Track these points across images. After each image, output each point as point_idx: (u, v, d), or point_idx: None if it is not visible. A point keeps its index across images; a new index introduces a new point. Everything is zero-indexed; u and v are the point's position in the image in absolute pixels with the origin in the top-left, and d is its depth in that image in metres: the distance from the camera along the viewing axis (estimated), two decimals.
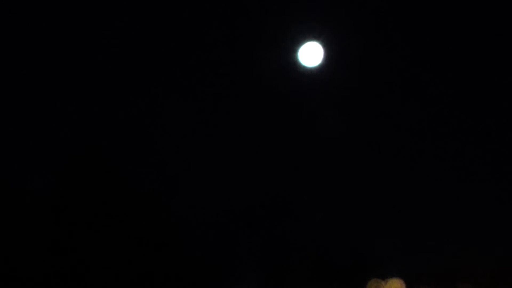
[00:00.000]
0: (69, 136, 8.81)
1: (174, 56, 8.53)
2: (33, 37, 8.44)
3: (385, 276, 10.61)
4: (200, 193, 9.27)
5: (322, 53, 8.23)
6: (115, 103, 8.79)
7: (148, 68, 8.51)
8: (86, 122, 8.77)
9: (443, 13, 8.21)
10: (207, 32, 8.30)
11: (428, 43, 8.18)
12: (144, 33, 8.39)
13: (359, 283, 10.57)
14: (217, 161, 9.00)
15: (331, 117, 8.60)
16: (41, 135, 8.80)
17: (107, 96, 8.78)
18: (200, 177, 9.23)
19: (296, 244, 9.95)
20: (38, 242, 8.73)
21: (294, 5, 7.99)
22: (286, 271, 9.94)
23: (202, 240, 9.34)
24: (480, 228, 9.84)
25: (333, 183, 9.75)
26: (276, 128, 8.81)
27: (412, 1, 8.25)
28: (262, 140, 8.95)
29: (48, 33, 8.42)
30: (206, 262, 9.32)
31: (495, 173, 9.61)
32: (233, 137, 8.93)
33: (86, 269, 8.77)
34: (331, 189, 9.83)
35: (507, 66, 8.55)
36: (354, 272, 10.53)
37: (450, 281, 10.41)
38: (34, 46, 8.47)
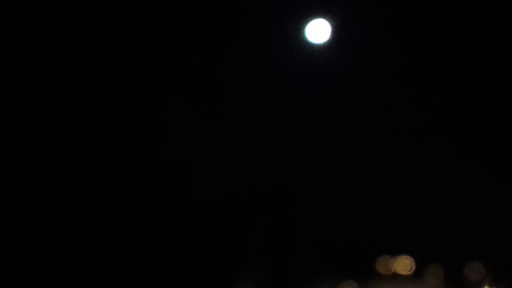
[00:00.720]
0: (72, 129, 8.73)
1: (177, 40, 8.40)
2: (39, 33, 8.34)
3: (394, 253, 10.61)
4: (205, 182, 9.21)
5: (330, 30, 8.06)
6: (120, 94, 8.72)
7: (152, 51, 8.39)
8: (88, 114, 8.69)
9: None
10: (213, 10, 8.13)
11: (443, 23, 8.00)
12: (145, 15, 8.25)
13: (368, 260, 10.55)
14: (221, 147, 8.93)
15: (340, 95, 8.48)
16: (44, 132, 8.72)
17: (111, 89, 8.70)
18: (204, 164, 9.18)
19: (303, 222, 9.90)
20: (41, 240, 8.69)
21: None
22: (294, 249, 9.91)
23: (207, 229, 9.31)
24: (492, 208, 9.75)
25: (343, 162, 9.68)
26: (283, 111, 8.70)
27: None
28: (268, 123, 8.85)
29: (53, 29, 8.32)
30: (211, 251, 9.31)
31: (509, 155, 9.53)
32: (238, 122, 8.84)
33: (91, 263, 8.79)
34: (340, 166, 9.75)
35: None
36: (363, 250, 10.50)
37: (460, 260, 10.37)
38: (40, 41, 8.37)
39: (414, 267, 10.57)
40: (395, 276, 10.61)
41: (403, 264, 10.69)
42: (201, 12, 8.20)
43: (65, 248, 8.67)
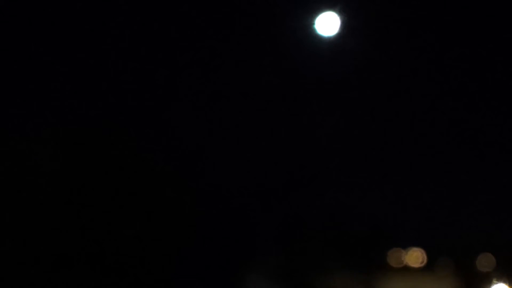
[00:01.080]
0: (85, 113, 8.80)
1: (189, 31, 8.47)
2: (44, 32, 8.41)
3: (405, 246, 10.61)
4: (216, 168, 9.25)
5: (339, 23, 8.08)
6: (131, 95, 8.80)
7: (164, 41, 8.46)
8: (103, 99, 8.75)
9: None
10: (223, 4, 8.20)
11: (453, 17, 8.01)
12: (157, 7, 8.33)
13: (379, 253, 10.55)
14: (233, 139, 9.00)
15: (349, 88, 8.51)
16: (55, 114, 8.81)
17: (126, 74, 8.77)
18: (216, 152, 9.20)
19: (315, 215, 9.92)
20: (51, 223, 8.74)
21: None
22: (305, 242, 9.92)
23: (218, 220, 9.35)
24: (503, 200, 9.70)
25: (353, 153, 9.70)
26: (293, 100, 8.74)
27: None
28: (277, 116, 8.91)
29: (62, 26, 8.40)
30: (222, 242, 9.34)
31: None
32: (249, 111, 8.89)
33: (98, 249, 8.83)
34: (351, 159, 9.77)
35: None
36: (374, 242, 10.51)
37: (470, 252, 10.35)
38: (44, 40, 8.44)
39: (425, 259, 10.59)
40: (406, 269, 10.60)
41: (414, 257, 10.69)
42: (211, 6, 8.26)
43: (74, 240, 8.70)
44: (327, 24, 8.06)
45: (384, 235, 10.65)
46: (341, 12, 7.95)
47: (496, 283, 10.21)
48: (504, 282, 10.18)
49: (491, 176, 9.62)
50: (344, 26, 8.03)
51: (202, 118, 8.91)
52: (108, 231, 8.81)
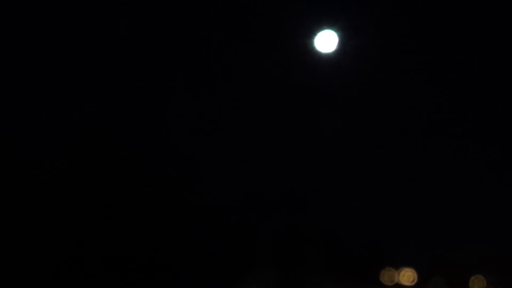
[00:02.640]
0: (87, 120, 8.88)
1: (191, 45, 8.65)
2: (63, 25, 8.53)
3: (398, 265, 10.77)
4: (215, 184, 9.36)
5: (337, 40, 8.34)
6: (136, 89, 8.91)
7: (166, 51, 8.62)
8: (104, 104, 8.84)
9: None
10: (225, 19, 8.43)
11: (449, 32, 8.23)
12: (160, 17, 8.51)
13: (372, 272, 10.66)
14: (232, 150, 9.08)
15: (347, 105, 8.70)
16: (59, 119, 8.89)
17: (128, 82, 8.89)
18: (215, 167, 9.28)
19: (310, 234, 10.07)
20: (52, 227, 8.78)
21: None
22: (300, 261, 10.04)
23: (217, 230, 9.41)
24: (492, 220, 9.88)
25: (348, 174, 9.80)
26: (292, 116, 8.89)
27: None
28: (278, 129, 9.02)
29: (72, 27, 8.52)
30: (221, 252, 9.40)
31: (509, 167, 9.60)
32: (249, 126, 9.00)
33: (95, 254, 8.85)
34: (345, 180, 9.87)
35: None
36: (367, 262, 10.63)
37: (462, 272, 10.51)
38: (50, 39, 8.54)
39: (416, 279, 10.74)
40: (398, 287, 10.80)
41: (407, 276, 10.82)
42: (212, 23, 8.46)
43: (74, 244, 8.73)
44: (326, 41, 8.33)
45: (377, 254, 10.80)
46: (339, 30, 8.23)
47: None
48: None
49: (482, 197, 9.80)
50: (342, 43, 8.29)
51: (201, 136, 8.99)
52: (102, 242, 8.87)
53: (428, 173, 9.90)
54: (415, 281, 10.79)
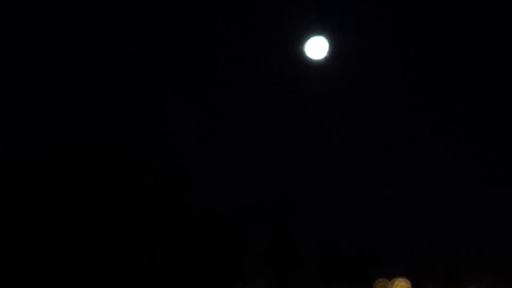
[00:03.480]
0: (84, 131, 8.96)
1: (184, 53, 8.75)
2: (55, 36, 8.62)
3: (391, 275, 10.84)
4: (210, 190, 9.48)
5: (328, 47, 8.48)
6: (132, 99, 9.00)
7: (159, 62, 8.73)
8: (100, 116, 8.96)
9: (449, 10, 8.35)
10: (215, 27, 8.54)
11: (434, 37, 8.32)
12: (154, 31, 8.61)
13: (366, 282, 10.68)
14: (226, 157, 9.16)
15: (338, 110, 8.79)
16: (58, 129, 8.98)
17: (125, 93, 8.98)
18: (209, 173, 9.43)
19: (304, 243, 10.21)
20: (47, 237, 8.86)
21: (299, 0, 8.23)
22: (294, 270, 10.06)
23: (211, 236, 9.48)
24: (484, 228, 9.98)
25: (341, 182, 9.89)
26: (284, 122, 8.97)
27: None
28: (270, 136, 9.11)
29: (71, 29, 8.61)
30: (215, 258, 9.42)
31: (500, 175, 9.67)
32: (241, 133, 9.08)
33: (89, 261, 8.93)
34: (338, 188, 10.00)
35: None
36: (361, 272, 10.64)
37: (454, 281, 10.43)
38: (50, 41, 8.60)
39: None
40: None
41: (400, 287, 10.86)
42: (203, 30, 8.57)
43: (71, 248, 8.85)
44: (317, 48, 8.47)
45: (370, 266, 10.84)
46: (329, 37, 8.37)
47: None
48: None
49: (476, 209, 10.03)
50: (332, 50, 8.43)
51: (195, 141, 9.09)
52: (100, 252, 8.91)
53: (425, 186, 10.06)
54: None
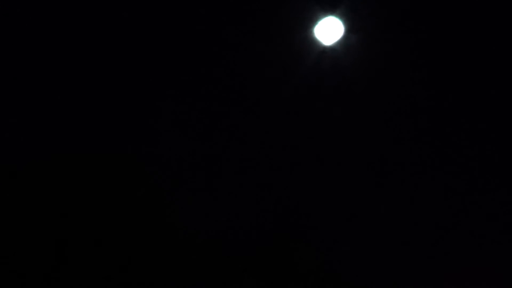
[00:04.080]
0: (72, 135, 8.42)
1: (184, 40, 8.02)
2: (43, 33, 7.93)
3: None
4: (202, 209, 8.86)
5: (342, 29, 7.65)
6: (123, 103, 8.33)
7: (157, 52, 8.00)
8: (89, 121, 8.37)
9: None
10: (220, 11, 7.73)
11: (458, 17, 7.63)
12: (153, 18, 7.92)
13: None
14: (225, 157, 8.44)
15: (349, 105, 7.99)
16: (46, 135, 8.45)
17: (116, 97, 8.32)
18: (203, 195, 8.83)
19: (301, 268, 9.55)
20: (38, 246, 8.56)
21: None
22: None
23: (203, 259, 8.97)
24: (486, 262, 9.38)
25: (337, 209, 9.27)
26: (290, 119, 8.24)
27: None
28: (270, 137, 8.40)
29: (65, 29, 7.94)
30: (207, 282, 9.00)
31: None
32: (241, 133, 8.39)
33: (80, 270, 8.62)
34: (338, 213, 9.31)
35: None
36: None
37: None
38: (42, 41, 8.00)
39: None
40: None
41: None
42: (208, 13, 7.79)
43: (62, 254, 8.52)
44: (328, 31, 7.63)
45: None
46: (343, 18, 7.54)
47: None
48: None
49: (468, 235, 9.33)
50: (346, 33, 7.62)
51: (187, 143, 8.41)
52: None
53: (421, 210, 9.42)
54: None
